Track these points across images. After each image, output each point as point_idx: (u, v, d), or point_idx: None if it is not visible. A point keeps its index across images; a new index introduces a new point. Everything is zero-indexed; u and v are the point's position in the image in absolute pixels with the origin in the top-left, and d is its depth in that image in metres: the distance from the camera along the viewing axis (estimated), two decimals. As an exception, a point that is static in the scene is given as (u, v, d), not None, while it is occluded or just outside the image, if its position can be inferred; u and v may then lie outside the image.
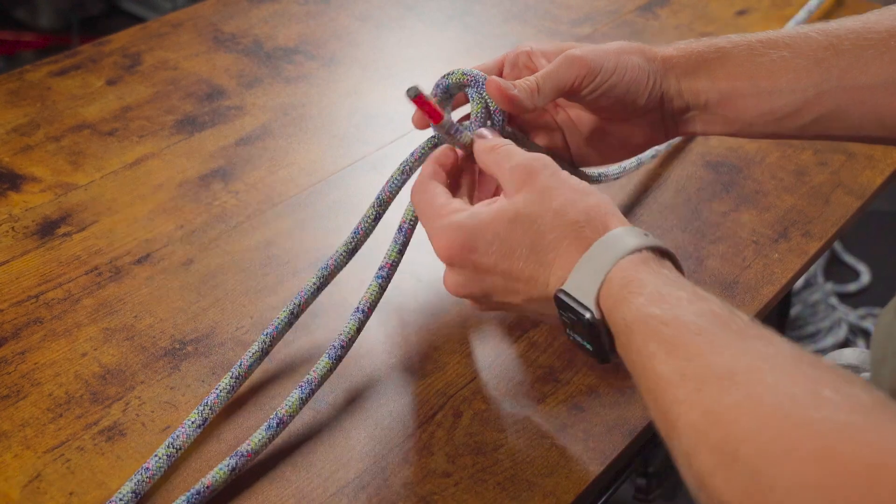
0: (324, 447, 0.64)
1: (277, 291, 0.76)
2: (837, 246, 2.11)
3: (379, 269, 0.68)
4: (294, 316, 0.68)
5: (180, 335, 0.72)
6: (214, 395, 0.64)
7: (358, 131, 0.96)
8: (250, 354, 0.66)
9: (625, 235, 0.58)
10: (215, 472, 0.60)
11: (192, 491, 0.59)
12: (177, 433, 0.62)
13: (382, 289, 0.68)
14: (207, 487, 0.59)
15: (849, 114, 0.70)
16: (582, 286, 0.57)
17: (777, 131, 0.72)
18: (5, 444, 0.63)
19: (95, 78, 1.01)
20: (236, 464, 0.60)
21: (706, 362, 0.48)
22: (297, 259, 0.79)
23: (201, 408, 0.64)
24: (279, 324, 0.68)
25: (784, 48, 0.70)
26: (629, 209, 0.87)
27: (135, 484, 0.59)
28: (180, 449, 0.62)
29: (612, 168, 0.82)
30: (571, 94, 0.69)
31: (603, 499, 0.76)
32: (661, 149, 0.91)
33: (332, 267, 0.70)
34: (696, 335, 0.49)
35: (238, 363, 0.66)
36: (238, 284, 0.76)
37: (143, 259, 0.78)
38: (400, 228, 0.68)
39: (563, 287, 0.58)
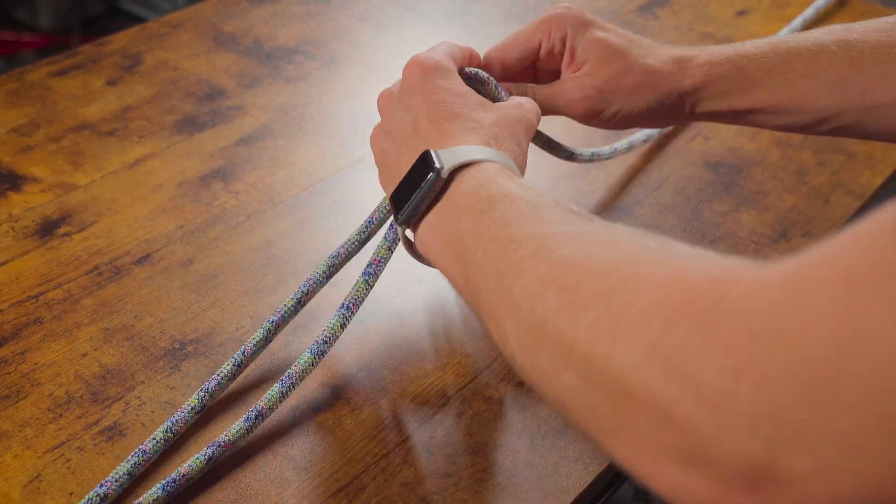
0: (324, 447, 0.64)
1: (277, 291, 0.76)
2: (837, 246, 2.10)
3: (367, 266, 0.67)
4: (300, 304, 0.68)
5: (180, 335, 0.72)
6: (215, 381, 0.65)
7: (358, 131, 0.96)
8: (254, 342, 0.67)
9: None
10: (192, 461, 0.61)
11: (167, 479, 0.60)
12: (175, 417, 0.63)
13: (369, 286, 0.67)
14: (183, 476, 0.60)
15: (867, 126, 0.70)
16: (454, 156, 0.57)
17: (792, 132, 0.74)
18: (5, 444, 0.63)
19: (95, 78, 1.01)
20: (213, 454, 0.61)
21: (564, 226, 0.50)
22: (297, 259, 0.79)
23: (201, 394, 0.64)
24: (285, 311, 0.67)
25: (804, 64, 0.69)
26: (629, 209, 0.87)
27: (131, 466, 0.60)
28: (177, 434, 0.63)
29: (605, 149, 0.85)
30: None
31: (603, 499, 0.76)
32: (653, 133, 0.93)
33: (344, 255, 0.69)
34: (558, 213, 0.51)
35: (241, 349, 0.66)
36: (238, 284, 0.76)
37: (143, 259, 0.78)
38: (391, 225, 0.67)
39: (438, 150, 0.58)
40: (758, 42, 0.72)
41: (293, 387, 0.65)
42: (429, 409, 0.67)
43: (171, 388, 0.67)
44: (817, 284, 0.35)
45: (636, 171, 0.92)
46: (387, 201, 0.68)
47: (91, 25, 2.44)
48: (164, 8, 2.33)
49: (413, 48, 1.10)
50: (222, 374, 0.65)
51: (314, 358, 0.65)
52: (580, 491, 0.62)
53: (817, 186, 0.91)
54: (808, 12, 1.15)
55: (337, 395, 0.68)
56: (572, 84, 0.71)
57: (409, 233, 0.62)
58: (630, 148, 0.89)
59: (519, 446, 0.65)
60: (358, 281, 0.67)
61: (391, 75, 1.05)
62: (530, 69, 0.74)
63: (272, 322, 0.67)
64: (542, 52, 0.72)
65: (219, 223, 0.83)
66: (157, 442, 0.61)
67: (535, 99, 0.70)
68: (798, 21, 1.13)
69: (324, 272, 0.68)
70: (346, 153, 0.92)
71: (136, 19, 2.34)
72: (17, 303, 0.74)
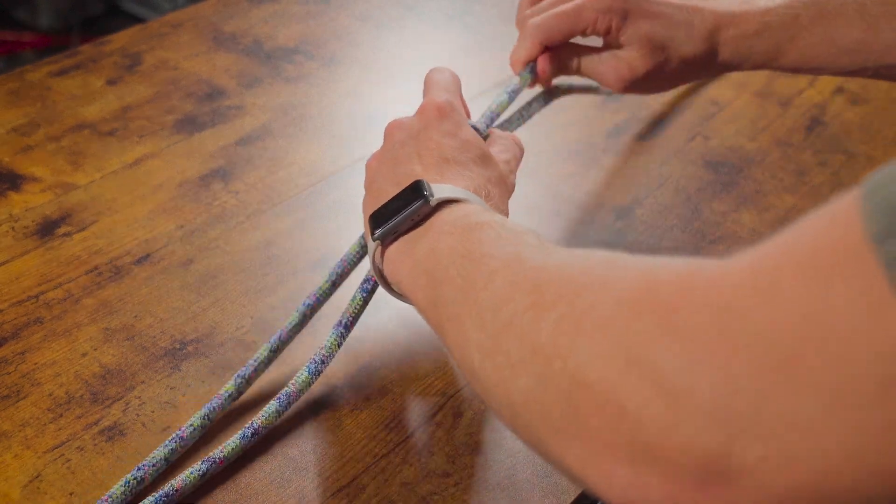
0: (324, 447, 0.64)
1: (277, 291, 0.76)
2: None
3: (363, 283, 0.66)
4: (334, 287, 0.69)
5: (180, 335, 0.72)
6: (251, 367, 0.66)
7: (358, 131, 0.96)
8: (290, 327, 0.68)
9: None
10: (185, 475, 0.60)
11: (160, 493, 0.59)
12: (212, 404, 0.64)
13: (366, 302, 0.66)
14: (177, 490, 0.59)
15: (885, 77, 0.76)
16: (444, 190, 0.58)
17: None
18: (5, 444, 0.63)
19: (95, 78, 1.01)
20: (207, 469, 0.61)
21: (539, 248, 0.50)
22: (297, 259, 0.79)
23: (237, 380, 0.65)
24: (320, 294, 0.69)
25: (823, 30, 0.74)
26: (629, 209, 0.87)
27: (168, 451, 0.61)
28: (213, 420, 0.64)
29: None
30: None
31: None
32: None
33: (346, 266, 0.69)
34: (535, 238, 0.52)
35: (277, 334, 0.67)
36: (238, 284, 0.76)
37: (143, 259, 0.78)
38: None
39: (431, 182, 0.59)
40: (781, 7, 0.75)
41: (290, 405, 0.65)
42: (429, 409, 0.67)
43: (171, 388, 0.67)
44: (778, 272, 0.35)
45: (636, 171, 0.92)
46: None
47: (91, 25, 2.44)
48: (164, 8, 2.33)
49: (413, 48, 1.11)
50: (258, 360, 0.66)
51: (311, 377, 0.65)
52: (580, 491, 0.62)
53: (817, 186, 0.91)
54: None
55: (337, 395, 0.68)
56: (612, 66, 0.76)
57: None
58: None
59: (519, 446, 0.65)
60: (355, 297, 0.66)
61: (391, 75, 1.06)
62: None
63: (307, 305, 0.68)
64: (586, 34, 0.77)
65: (219, 223, 0.83)
66: (195, 429, 0.62)
67: (579, 66, 0.77)
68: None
69: (328, 283, 0.69)
70: (346, 153, 0.92)
71: (136, 19, 2.34)
72: (17, 303, 0.74)
